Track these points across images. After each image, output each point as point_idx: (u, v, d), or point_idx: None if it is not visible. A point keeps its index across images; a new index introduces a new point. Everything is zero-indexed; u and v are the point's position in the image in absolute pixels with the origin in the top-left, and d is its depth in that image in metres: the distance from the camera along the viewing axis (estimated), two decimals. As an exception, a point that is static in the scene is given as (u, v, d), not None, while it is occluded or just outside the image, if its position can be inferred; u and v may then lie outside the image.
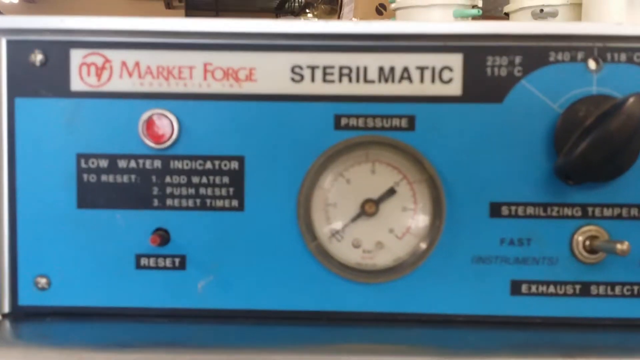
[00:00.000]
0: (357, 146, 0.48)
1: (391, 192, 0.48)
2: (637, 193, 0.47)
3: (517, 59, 0.47)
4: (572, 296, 0.47)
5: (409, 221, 0.48)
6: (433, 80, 0.48)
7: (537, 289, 0.47)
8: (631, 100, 0.44)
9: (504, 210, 0.47)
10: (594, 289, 0.47)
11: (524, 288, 0.47)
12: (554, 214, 0.47)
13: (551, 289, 0.47)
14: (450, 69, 0.47)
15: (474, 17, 1.73)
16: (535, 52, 0.47)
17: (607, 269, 0.47)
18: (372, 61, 0.48)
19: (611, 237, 0.47)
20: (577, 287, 0.47)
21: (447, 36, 0.47)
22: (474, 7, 1.58)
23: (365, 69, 0.48)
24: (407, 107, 0.48)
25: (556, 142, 0.46)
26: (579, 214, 0.47)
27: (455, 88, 0.47)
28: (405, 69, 0.48)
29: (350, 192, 0.48)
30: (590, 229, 0.47)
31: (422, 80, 0.48)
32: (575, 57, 0.47)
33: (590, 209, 0.47)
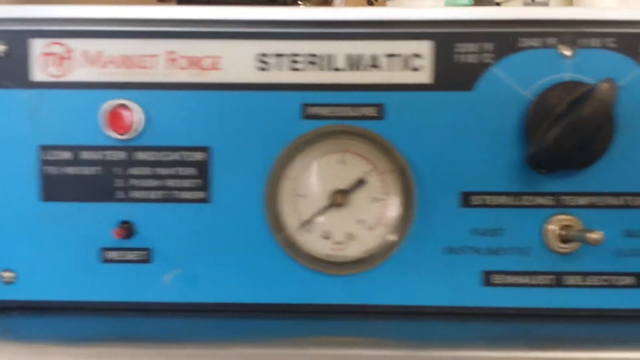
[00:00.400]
0: (326, 136, 0.47)
1: (361, 182, 0.47)
2: (611, 181, 0.46)
3: (487, 46, 0.46)
4: (545, 287, 0.46)
5: (379, 212, 0.47)
6: (402, 68, 0.47)
7: (509, 279, 0.47)
8: (603, 86, 0.43)
9: (475, 200, 0.46)
10: (568, 280, 0.46)
11: (495, 279, 0.47)
12: (526, 203, 0.46)
13: (523, 280, 0.46)
14: (420, 57, 0.46)
15: (466, 6, 1.72)
16: (506, 38, 0.46)
17: (582, 258, 0.46)
18: (340, 49, 0.47)
19: (585, 226, 0.46)
20: (551, 277, 0.46)
21: (416, 22, 0.46)
22: (465, -4, 1.56)
23: (333, 57, 0.47)
24: (376, 95, 0.47)
25: (527, 129, 0.45)
26: (552, 203, 0.46)
27: (424, 76, 0.46)
28: (374, 57, 0.47)
29: (320, 183, 0.47)
30: (564, 218, 0.46)
31: (391, 68, 0.47)
32: (546, 43, 0.46)
33: (563, 198, 0.46)
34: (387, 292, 0.47)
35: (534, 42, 0.46)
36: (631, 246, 0.46)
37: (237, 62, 0.47)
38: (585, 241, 0.44)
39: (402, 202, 0.47)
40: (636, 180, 0.46)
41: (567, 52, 0.46)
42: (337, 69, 0.47)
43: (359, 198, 0.47)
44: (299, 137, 0.47)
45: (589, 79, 0.45)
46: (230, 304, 0.47)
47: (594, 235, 0.43)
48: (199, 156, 0.47)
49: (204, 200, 0.47)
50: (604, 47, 0.46)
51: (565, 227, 0.46)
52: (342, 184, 0.47)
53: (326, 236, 0.48)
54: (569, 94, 0.44)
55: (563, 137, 0.43)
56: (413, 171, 0.46)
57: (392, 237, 0.47)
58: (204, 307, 0.47)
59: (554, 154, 0.43)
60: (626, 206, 0.46)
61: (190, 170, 0.47)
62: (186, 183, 0.47)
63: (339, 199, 0.47)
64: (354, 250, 0.48)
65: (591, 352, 0.43)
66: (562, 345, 0.44)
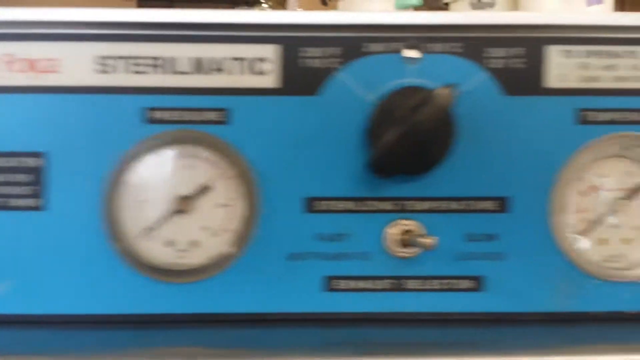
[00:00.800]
0: (169, 141, 0.46)
1: (205, 188, 0.46)
2: (452, 186, 0.47)
3: (333, 50, 0.46)
4: (386, 291, 0.47)
5: (224, 218, 0.47)
6: (248, 72, 0.46)
7: (350, 284, 0.47)
8: (440, 91, 0.44)
9: (319, 205, 0.46)
10: (408, 284, 0.47)
11: (337, 284, 0.47)
12: (368, 208, 0.47)
13: (365, 284, 0.47)
14: (265, 60, 0.46)
15: (416, 8, 1.73)
16: (351, 43, 0.46)
17: (422, 263, 0.47)
18: (184, 52, 0.46)
19: (427, 231, 0.47)
20: (391, 281, 0.47)
21: (262, 26, 0.46)
22: (415, -4, 1.60)
23: (176, 60, 0.46)
24: (221, 99, 0.46)
25: (369, 134, 0.46)
26: (394, 208, 0.47)
27: (270, 80, 0.46)
28: (219, 60, 0.46)
29: (163, 189, 0.46)
30: (405, 223, 0.47)
31: (236, 72, 0.46)
32: (392, 47, 0.46)
33: (405, 203, 0.47)
34: (231, 300, 0.46)
35: (379, 47, 0.46)
36: (471, 250, 0.47)
37: (75, 64, 0.45)
38: (421, 246, 0.45)
39: (247, 208, 0.46)
40: (477, 185, 0.47)
41: (413, 57, 0.46)
42: (180, 73, 0.46)
43: (203, 204, 0.47)
44: (140, 141, 0.45)
45: (433, 84, 0.46)
46: (67, 316, 0.45)
47: (427, 240, 0.44)
48: (33, 162, 0.45)
49: (38, 208, 0.45)
50: (450, 51, 0.46)
51: (405, 231, 0.46)
52: (186, 190, 0.46)
53: (170, 244, 0.47)
54: (409, 99, 0.45)
55: (398, 142, 0.43)
56: (258, 177, 0.46)
57: (237, 244, 0.46)
58: (39, 318, 0.45)
59: (390, 158, 0.44)
60: (466, 211, 0.47)
61: (24, 177, 0.45)
62: (19, 190, 0.45)
63: (182, 205, 0.46)
64: (198, 258, 0.47)
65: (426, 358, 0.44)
66: (399, 351, 0.44)
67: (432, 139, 0.44)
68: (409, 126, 0.43)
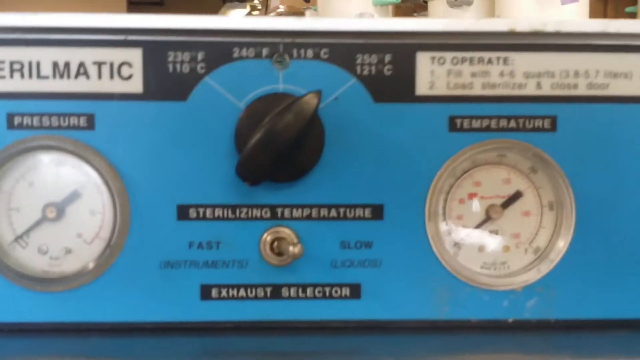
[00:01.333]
0: (36, 147, 0.45)
1: (75, 194, 0.45)
2: (326, 193, 0.46)
3: (201, 55, 0.44)
4: (263, 299, 0.46)
5: (97, 225, 0.46)
6: (112, 77, 0.44)
7: (227, 293, 0.46)
8: (303, 98, 0.42)
9: (192, 212, 0.45)
10: (284, 292, 0.47)
11: (214, 292, 0.46)
12: (243, 215, 0.46)
13: (241, 293, 0.46)
14: (130, 65, 0.44)
15: (396, 5, 1.68)
16: (219, 48, 0.44)
17: (299, 271, 0.46)
18: (47, 56, 0.44)
19: (301, 238, 0.46)
20: (268, 289, 0.46)
21: (126, 30, 0.44)
22: (393, -6, 1.58)
23: (38, 64, 0.44)
24: (85, 105, 0.44)
25: (236, 141, 0.44)
26: (268, 215, 0.46)
27: (135, 85, 0.44)
28: (82, 64, 0.44)
29: (34, 196, 0.45)
30: (279, 230, 0.46)
31: (100, 76, 0.44)
32: (260, 53, 0.45)
33: (279, 210, 0.46)
34: (104, 309, 0.46)
35: (248, 52, 0.45)
36: (347, 257, 0.46)
37: None
38: (288, 254, 0.44)
39: (118, 214, 0.45)
40: (351, 192, 0.46)
41: (281, 63, 0.45)
42: (44, 77, 0.44)
43: (74, 211, 0.46)
44: (5, 148, 0.44)
45: (301, 90, 0.45)
46: None
47: (294, 249, 0.43)
48: None
49: None
50: (318, 58, 0.45)
51: (280, 239, 0.46)
52: (58, 197, 0.45)
53: (43, 251, 0.46)
54: (274, 106, 0.44)
55: (259, 149, 0.42)
56: (128, 183, 0.45)
57: (108, 251, 0.45)
58: None
59: (253, 165, 0.43)
60: (342, 218, 0.46)
61: None
62: None
63: (52, 212, 0.45)
64: (72, 266, 0.46)
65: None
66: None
67: (297, 145, 0.43)
68: (269, 133, 0.42)
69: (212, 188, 0.45)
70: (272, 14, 2.50)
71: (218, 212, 0.46)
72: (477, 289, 0.47)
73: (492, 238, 0.48)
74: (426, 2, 1.69)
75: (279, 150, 0.42)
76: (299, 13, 2.18)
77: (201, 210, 0.45)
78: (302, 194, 0.46)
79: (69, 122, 0.44)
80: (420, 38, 0.46)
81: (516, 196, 0.48)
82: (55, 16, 0.44)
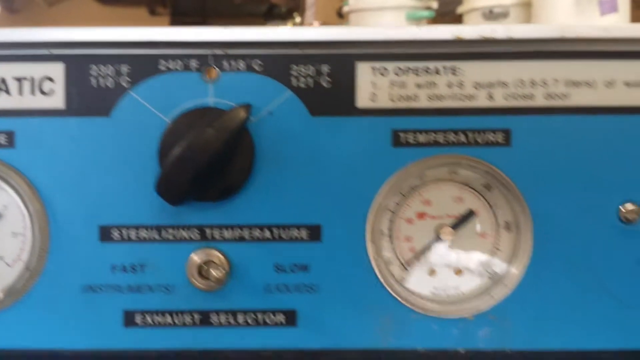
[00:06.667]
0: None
1: (-4, 216, 0.44)
2: (258, 213, 0.43)
3: (125, 68, 0.42)
4: (190, 326, 0.43)
5: (16, 248, 0.44)
6: (33, 92, 0.43)
7: (152, 319, 0.43)
8: (229, 112, 0.40)
9: (115, 233, 0.43)
10: (214, 318, 0.43)
11: (138, 319, 0.43)
12: (169, 237, 0.43)
13: (167, 319, 0.43)
14: (52, 80, 0.43)
15: (428, 20, 1.67)
16: (144, 60, 0.42)
17: (229, 296, 0.43)
18: (-34, 71, 0.43)
19: (231, 261, 0.43)
20: (196, 316, 0.43)
21: (46, 44, 0.42)
22: (427, 8, 1.57)
23: (-42, 80, 0.43)
24: (5, 122, 0.43)
25: (159, 158, 0.42)
26: (197, 236, 0.43)
27: (57, 100, 0.43)
28: (3, 80, 0.43)
29: (-46, 217, 0.44)
30: (208, 252, 0.43)
31: (21, 92, 0.43)
32: (188, 65, 0.42)
33: (208, 231, 0.43)
34: (22, 335, 0.43)
35: (175, 64, 0.42)
36: (282, 281, 0.43)
37: None
38: (211, 279, 0.41)
39: (36, 236, 0.43)
40: (285, 211, 0.43)
41: (210, 76, 0.43)
42: (-36, 94, 0.43)
43: (-2, 233, 0.44)
44: None
45: (233, 104, 0.42)
46: None
47: (216, 274, 0.40)
48: None
49: None
50: (251, 69, 0.43)
51: (209, 262, 0.43)
52: (-22, 218, 0.44)
53: (-37, 275, 0.44)
54: (198, 121, 0.41)
55: (177, 166, 0.40)
56: (47, 204, 0.43)
57: (27, 274, 0.43)
58: None
59: (171, 184, 0.40)
60: (275, 239, 0.43)
61: None
62: None
63: (-28, 234, 0.43)
64: (-8, 290, 0.44)
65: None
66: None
67: (222, 162, 0.40)
68: (188, 149, 0.40)
69: (136, 208, 0.43)
70: (307, 31, 2.50)
71: (142, 233, 0.43)
72: (424, 316, 0.43)
73: (443, 260, 0.44)
74: (461, 16, 1.66)
75: (199, 168, 0.39)
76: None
77: (125, 232, 0.43)
78: (233, 214, 0.43)
79: (-11, 139, 0.43)
80: (359, 48, 0.43)
81: (469, 216, 0.44)
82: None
